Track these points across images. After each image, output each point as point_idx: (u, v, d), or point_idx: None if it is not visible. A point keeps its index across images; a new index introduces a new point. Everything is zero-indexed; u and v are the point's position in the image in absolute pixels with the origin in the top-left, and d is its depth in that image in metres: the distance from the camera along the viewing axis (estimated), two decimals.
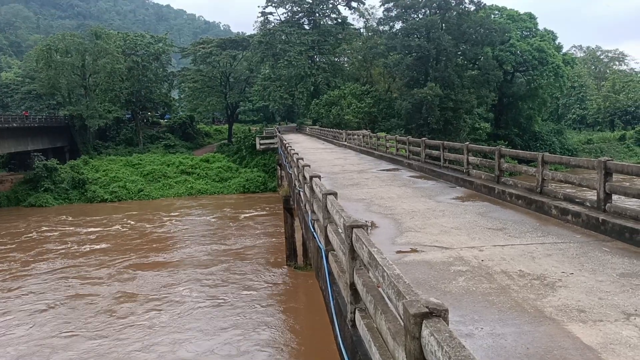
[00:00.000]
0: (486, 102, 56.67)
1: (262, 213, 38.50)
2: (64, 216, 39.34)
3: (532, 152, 12.91)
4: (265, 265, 24.74)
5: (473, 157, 15.56)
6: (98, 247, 29.25)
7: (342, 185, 15.75)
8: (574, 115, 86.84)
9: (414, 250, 8.26)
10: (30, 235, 32.96)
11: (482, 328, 5.16)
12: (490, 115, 63.80)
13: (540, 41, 58.47)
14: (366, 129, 42.52)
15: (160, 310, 18.78)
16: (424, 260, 7.71)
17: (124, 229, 34.02)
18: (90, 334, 16.83)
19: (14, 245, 30.07)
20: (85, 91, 58.73)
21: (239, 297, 20.14)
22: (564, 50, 66.12)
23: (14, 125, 47.94)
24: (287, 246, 24.82)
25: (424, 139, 20.30)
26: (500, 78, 56.29)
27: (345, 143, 35.32)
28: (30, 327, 17.60)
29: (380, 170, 20.24)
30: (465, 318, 5.42)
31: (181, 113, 72.84)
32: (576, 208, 9.59)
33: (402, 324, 2.91)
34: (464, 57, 57.28)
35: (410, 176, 17.93)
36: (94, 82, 58.69)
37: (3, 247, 29.72)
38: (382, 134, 29.97)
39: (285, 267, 24.10)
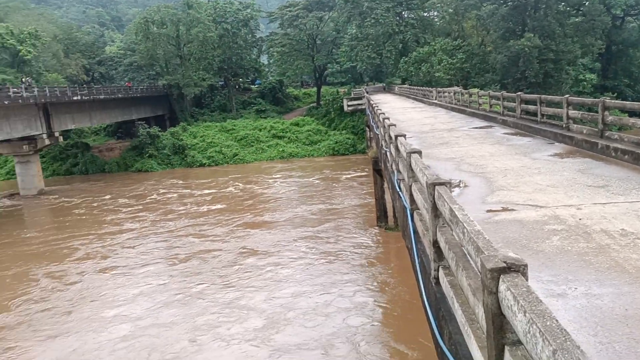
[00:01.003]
0: (592, 51, 52.15)
1: (352, 175, 38.73)
2: (175, 180, 41.93)
3: None
4: (356, 226, 25.07)
5: (573, 111, 14.53)
6: (214, 207, 31.15)
7: (430, 145, 15.40)
8: None
9: (505, 209, 7.95)
10: (152, 197, 35.64)
11: (576, 288, 4.91)
12: (597, 65, 58.79)
13: None
14: (458, 86, 40.93)
15: (278, 264, 19.94)
16: (515, 219, 7.41)
17: (236, 191, 35.82)
18: (219, 284, 18.20)
19: (140, 207, 32.70)
20: (180, 60, 61.33)
21: (333, 256, 20.65)
22: None
23: (119, 96, 51.26)
24: (377, 207, 24.88)
25: (519, 93, 19.19)
26: (609, 24, 51.40)
27: (436, 101, 34.30)
28: (169, 277, 19.37)
29: (472, 128, 19.50)
30: (558, 278, 5.17)
31: (270, 78, 74.05)
32: None
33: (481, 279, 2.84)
34: (565, 4, 52.84)
35: (504, 133, 17.12)
36: (188, 52, 61.04)
37: (132, 208, 32.43)
38: (475, 90, 28.68)
39: (376, 228, 24.26)
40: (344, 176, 38.61)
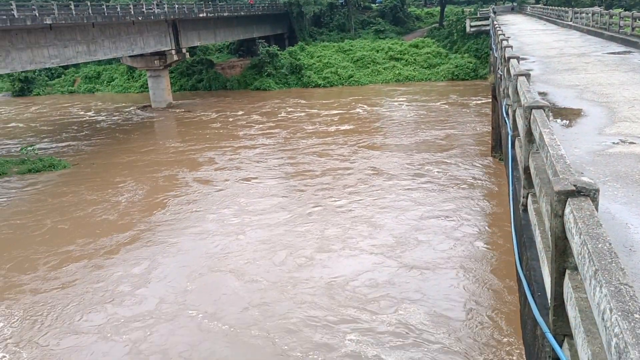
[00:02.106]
0: None
1: (470, 101, 37.11)
2: (297, 99, 42.86)
3: None
4: (470, 155, 24.41)
5: None
6: (342, 127, 31.78)
7: (554, 70, 14.25)
8: None
9: (623, 142, 7.31)
10: (281, 115, 36.94)
11: None
12: None
13: None
14: (600, 7, 36.63)
15: (404, 187, 20.44)
16: (633, 153, 6.81)
17: (363, 112, 36.16)
18: (350, 200, 19.14)
19: (273, 124, 34.10)
20: None
21: (445, 184, 20.57)
22: None
23: (242, 13, 52.39)
24: (493, 136, 23.85)
25: None
26: None
27: (570, 23, 31.13)
28: (302, 192, 20.55)
29: (607, 53, 17.62)
30: None
31: None
32: None
33: None
34: None
35: None
36: None
37: (264, 125, 33.87)
38: (617, 11, 25.54)
39: (490, 158, 23.45)
40: (464, 102, 37.15)
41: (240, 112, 38.58)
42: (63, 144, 32.36)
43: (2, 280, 14.69)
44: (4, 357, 11.23)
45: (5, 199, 22.05)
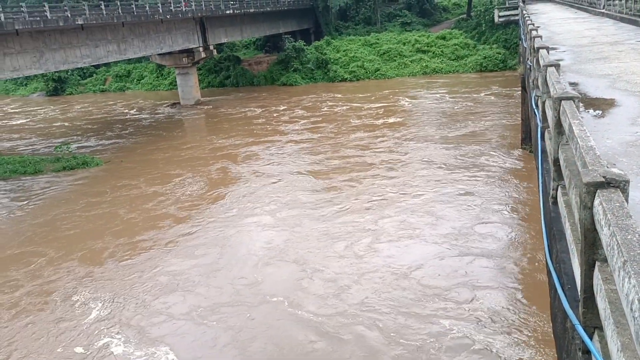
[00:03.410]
0: None
1: (500, 92, 36.57)
2: (332, 94, 42.66)
3: None
4: (499, 147, 24.19)
5: None
6: (390, 120, 31.76)
7: (585, 60, 13.94)
8: None
9: None
10: (323, 110, 36.93)
11: None
12: None
13: None
14: None
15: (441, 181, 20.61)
16: None
17: (407, 104, 36.23)
18: (402, 189, 19.82)
19: (319, 118, 34.23)
20: None
21: (471, 174, 20.65)
22: None
23: (268, 9, 52.55)
24: (523, 128, 23.48)
25: None
26: None
27: (603, 10, 30.30)
28: (359, 182, 21.03)
29: None
30: None
31: None
32: None
33: None
34: None
35: None
36: None
37: (309, 120, 33.97)
38: None
39: (520, 150, 23.16)
40: (487, 93, 36.71)
41: (282, 107, 38.67)
42: (102, 142, 33.21)
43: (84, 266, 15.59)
44: (112, 337, 11.95)
45: (50, 194, 22.82)
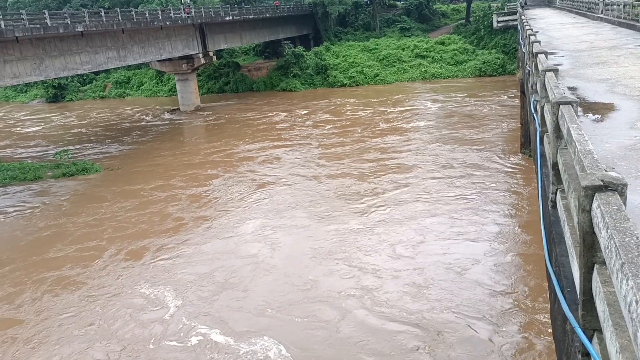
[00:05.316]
0: None
1: (499, 98, 36.68)
2: (339, 99, 42.84)
3: None
4: (498, 152, 24.30)
5: None
6: (421, 124, 31.93)
7: (584, 65, 14.00)
8: None
9: None
10: (324, 116, 36.87)
11: None
12: None
13: None
14: None
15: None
16: None
17: (432, 106, 36.59)
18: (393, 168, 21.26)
19: (321, 123, 34.36)
20: None
21: (471, 180, 20.78)
22: None
23: (267, 15, 52.70)
24: (522, 133, 23.55)
25: None
26: None
27: (601, 15, 30.43)
28: (384, 177, 21.55)
29: (639, 45, 17.21)
30: None
31: None
32: None
33: None
34: None
35: None
36: None
37: (325, 121, 34.61)
38: None
39: (520, 154, 23.22)
40: (486, 98, 36.82)
41: (305, 112, 38.83)
42: (102, 149, 33.24)
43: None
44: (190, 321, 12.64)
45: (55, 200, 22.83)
